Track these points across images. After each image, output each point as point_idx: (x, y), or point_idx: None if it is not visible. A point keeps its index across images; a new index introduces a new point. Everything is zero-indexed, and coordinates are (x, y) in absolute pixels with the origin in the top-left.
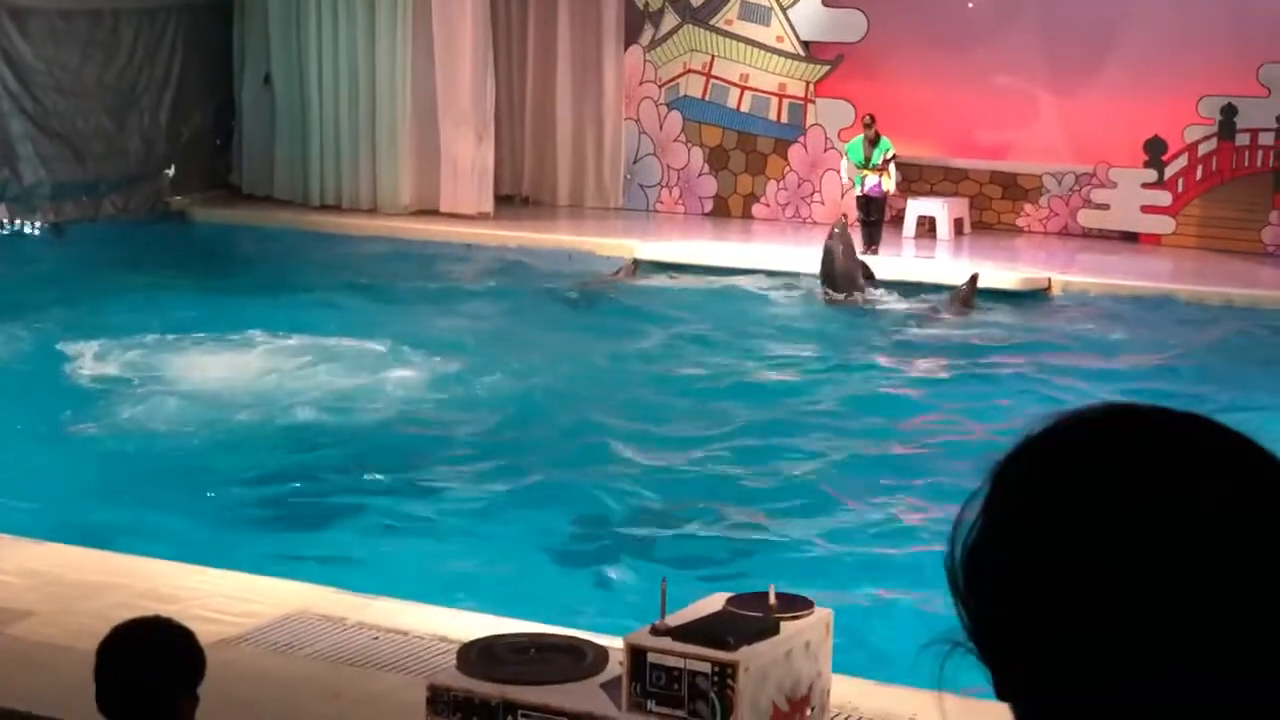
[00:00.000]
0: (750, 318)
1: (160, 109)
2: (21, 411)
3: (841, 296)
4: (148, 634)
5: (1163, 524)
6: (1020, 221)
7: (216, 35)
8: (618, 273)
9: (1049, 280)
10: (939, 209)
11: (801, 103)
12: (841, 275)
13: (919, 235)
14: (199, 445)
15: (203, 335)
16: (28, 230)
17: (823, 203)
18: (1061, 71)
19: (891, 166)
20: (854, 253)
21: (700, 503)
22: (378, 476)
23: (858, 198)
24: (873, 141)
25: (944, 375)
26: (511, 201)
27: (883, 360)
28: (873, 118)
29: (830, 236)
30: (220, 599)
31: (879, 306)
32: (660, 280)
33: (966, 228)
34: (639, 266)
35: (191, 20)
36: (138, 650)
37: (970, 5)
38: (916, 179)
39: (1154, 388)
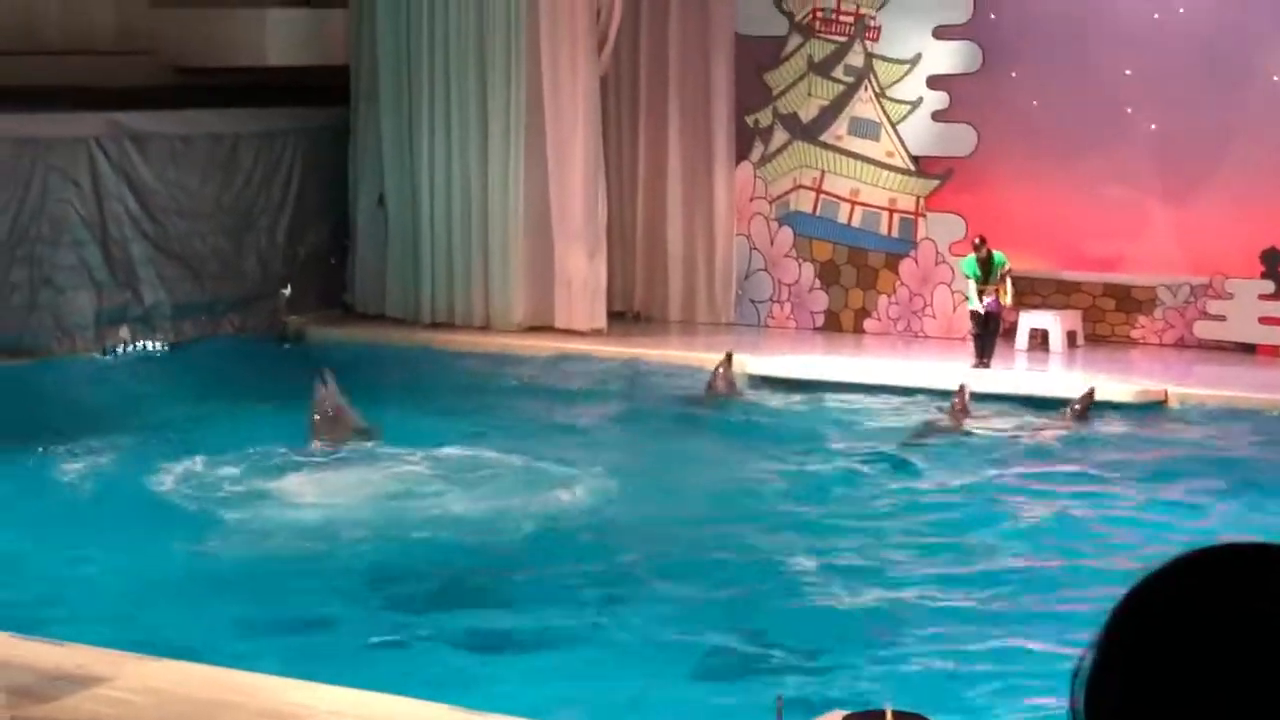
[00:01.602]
0: (862, 433)
1: (277, 230)
2: (143, 528)
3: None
4: None
5: (1259, 653)
6: (1135, 334)
7: (332, 157)
8: (715, 378)
9: (1165, 392)
10: (1052, 322)
11: (912, 217)
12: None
13: (1032, 348)
14: (315, 561)
15: (306, 452)
16: (148, 349)
17: (934, 317)
18: (1173, 182)
19: (1008, 281)
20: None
21: (815, 619)
22: (491, 591)
23: (972, 313)
24: (985, 259)
25: (1061, 492)
26: (623, 317)
27: (998, 477)
28: (983, 239)
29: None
30: (336, 716)
31: (993, 422)
32: (771, 395)
33: (1080, 340)
34: (731, 361)
35: (308, 143)
36: None
37: (1074, 121)
38: (1028, 292)
39: (1274, 503)
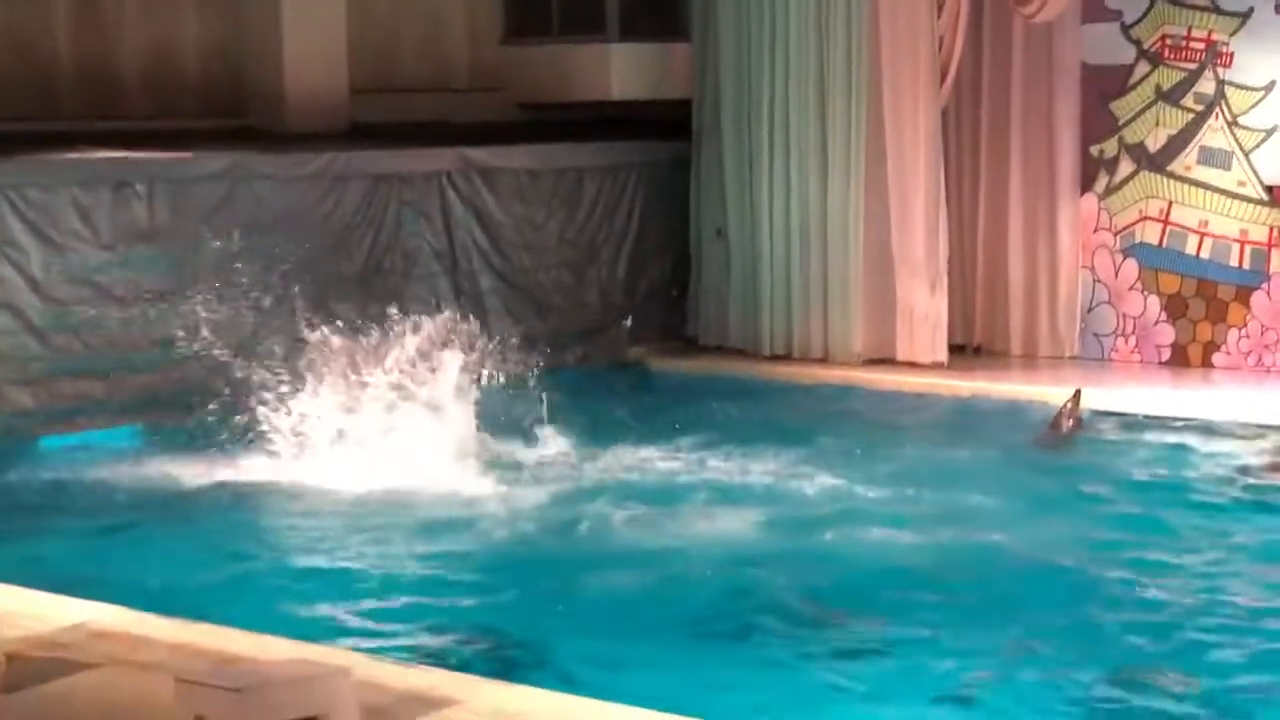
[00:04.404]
0: (1213, 473)
1: (619, 262)
2: (492, 562)
3: None
4: None
5: None
6: None
7: (673, 190)
8: (1061, 415)
9: None
10: None
11: (1265, 248)
12: None
13: None
14: (654, 590)
15: (655, 483)
16: (494, 379)
17: None
18: None
19: None
20: None
21: (1159, 670)
22: (842, 626)
23: None
24: None
25: None
26: (963, 350)
27: None
28: None
29: None
30: None
31: None
32: (1116, 431)
33: None
34: (1080, 397)
35: (650, 176)
36: None
37: None
38: None
39: None
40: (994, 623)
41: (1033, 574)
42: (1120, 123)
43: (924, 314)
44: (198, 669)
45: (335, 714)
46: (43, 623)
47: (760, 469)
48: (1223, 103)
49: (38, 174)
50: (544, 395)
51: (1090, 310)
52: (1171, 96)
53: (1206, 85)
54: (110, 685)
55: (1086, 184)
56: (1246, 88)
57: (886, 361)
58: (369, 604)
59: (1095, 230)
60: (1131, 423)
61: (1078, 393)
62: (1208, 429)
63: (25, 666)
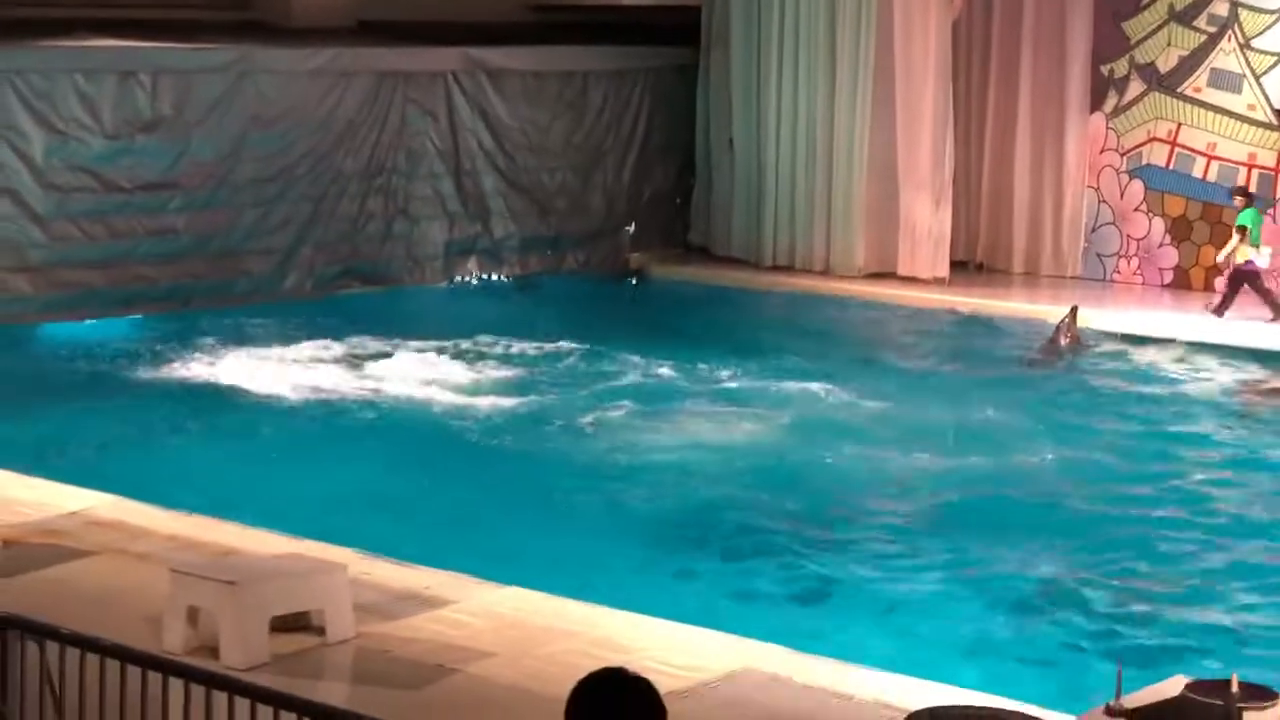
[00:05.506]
0: (1209, 394)
1: (624, 168)
2: (473, 458)
3: None
4: (618, 685)
5: None
6: None
7: (680, 97)
8: (1059, 332)
9: None
10: None
11: (1272, 173)
12: None
13: None
14: (655, 500)
15: (650, 389)
16: (495, 281)
17: None
18: None
19: (1235, 238)
20: None
21: (1157, 582)
22: (825, 535)
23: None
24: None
25: None
26: (965, 267)
27: None
28: (1244, 189)
29: None
30: (669, 651)
31: None
32: (1116, 351)
33: None
34: (1077, 314)
35: (657, 82)
36: (612, 699)
37: None
38: None
39: None
40: (978, 531)
41: (1014, 486)
42: (1132, 42)
43: (928, 229)
44: (193, 560)
45: (329, 610)
46: (41, 509)
47: (756, 378)
48: (1235, 25)
49: (42, 60)
50: (545, 298)
51: (1094, 230)
52: (1184, 17)
53: (1220, 7)
54: (106, 573)
55: (1095, 103)
56: (1260, 10)
57: (888, 276)
58: (355, 501)
59: (1102, 150)
60: (1130, 343)
61: (1074, 310)
62: (1205, 352)
63: (23, 552)
